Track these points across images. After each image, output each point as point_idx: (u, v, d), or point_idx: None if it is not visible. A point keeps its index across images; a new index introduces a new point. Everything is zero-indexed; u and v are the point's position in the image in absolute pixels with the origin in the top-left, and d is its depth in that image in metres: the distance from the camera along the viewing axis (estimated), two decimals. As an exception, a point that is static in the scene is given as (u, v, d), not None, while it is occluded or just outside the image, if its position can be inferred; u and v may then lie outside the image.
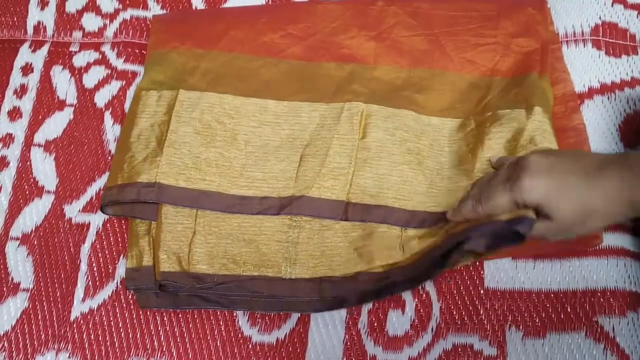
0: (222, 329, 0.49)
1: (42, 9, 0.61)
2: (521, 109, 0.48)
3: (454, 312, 0.48)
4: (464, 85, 0.52)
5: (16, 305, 0.51)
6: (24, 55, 0.59)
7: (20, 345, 0.49)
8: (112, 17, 0.61)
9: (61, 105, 0.57)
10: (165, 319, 0.49)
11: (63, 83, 0.58)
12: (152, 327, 0.49)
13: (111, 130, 0.56)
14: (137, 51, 0.59)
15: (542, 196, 0.38)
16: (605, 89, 0.53)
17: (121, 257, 0.51)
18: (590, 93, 0.53)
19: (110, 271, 0.51)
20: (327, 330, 0.48)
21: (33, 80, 0.58)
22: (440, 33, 0.54)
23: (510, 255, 0.48)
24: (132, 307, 0.50)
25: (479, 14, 0.54)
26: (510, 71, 0.52)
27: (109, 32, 0.60)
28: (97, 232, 0.52)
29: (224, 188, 0.49)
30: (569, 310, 0.47)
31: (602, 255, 0.48)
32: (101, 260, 0.51)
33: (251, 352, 0.48)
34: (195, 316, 0.49)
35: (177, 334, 0.49)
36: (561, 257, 0.48)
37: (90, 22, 0.61)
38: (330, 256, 0.48)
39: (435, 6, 0.55)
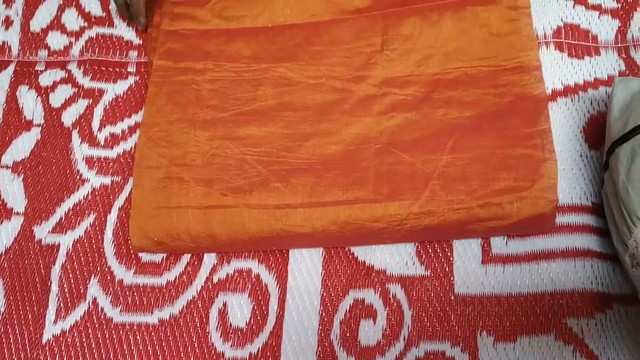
0: (196, 345, 0.49)
1: (7, 28, 0.61)
2: None
3: (425, 320, 0.48)
4: None
5: (-13, 329, 0.51)
6: (-11, 76, 0.59)
7: (-7, 370, 0.49)
8: (77, 35, 0.60)
9: (28, 125, 0.57)
10: (138, 337, 0.49)
11: (29, 103, 0.58)
12: (125, 346, 0.49)
13: (79, 149, 0.55)
14: (103, 69, 0.58)
15: None
16: (568, 91, 0.53)
17: (92, 277, 0.51)
18: (554, 95, 0.53)
19: (81, 292, 0.51)
20: (299, 342, 0.48)
21: (-1, 101, 0.58)
22: None
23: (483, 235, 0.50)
24: (104, 327, 0.50)
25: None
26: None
27: (75, 51, 0.60)
28: (67, 253, 0.52)
29: None
30: (538, 313, 0.47)
31: (569, 258, 0.48)
32: (72, 281, 0.51)
33: (224, 368, 0.48)
34: (168, 334, 0.49)
35: (150, 352, 0.49)
36: (530, 260, 0.49)
37: (56, 40, 0.60)
38: None
39: None
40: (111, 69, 0.58)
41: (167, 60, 0.55)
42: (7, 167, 0.56)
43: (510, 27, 0.52)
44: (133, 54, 0.59)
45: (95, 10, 0.61)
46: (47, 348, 0.49)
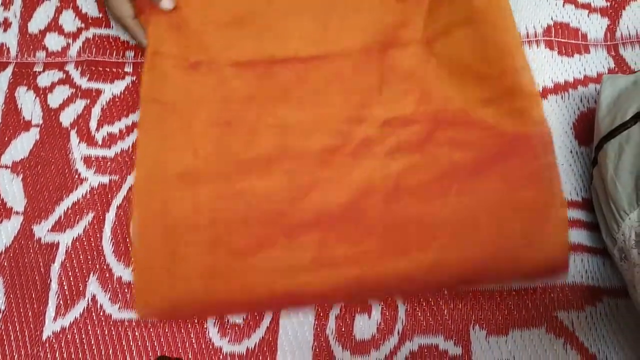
0: (194, 341, 0.50)
1: (5, 30, 0.62)
2: None
3: (419, 314, 0.49)
4: None
5: (-12, 327, 0.51)
6: (-12, 77, 0.60)
7: (-6, 367, 0.50)
8: (75, 36, 0.61)
9: (27, 125, 0.58)
10: (137, 333, 0.50)
11: (28, 104, 0.58)
12: (124, 343, 0.50)
13: (77, 149, 0.56)
14: (100, 69, 0.59)
15: None
16: (558, 89, 0.54)
17: (91, 274, 0.52)
18: (544, 93, 0.54)
19: (80, 289, 0.52)
20: (295, 337, 0.49)
21: (-2, 102, 0.59)
22: None
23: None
24: (103, 323, 0.50)
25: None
26: None
27: (73, 52, 0.60)
28: (66, 251, 0.53)
29: None
30: (529, 306, 0.48)
31: (560, 252, 0.49)
32: (71, 279, 0.52)
33: (222, 363, 0.49)
34: (167, 330, 0.50)
35: (149, 349, 0.50)
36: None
37: (54, 41, 0.61)
38: None
39: None
40: (108, 69, 0.59)
41: (156, 103, 0.51)
42: (6, 167, 0.56)
43: (501, 43, 0.48)
44: (130, 54, 0.60)
45: (92, 11, 0.62)
46: (47, 345, 0.50)
